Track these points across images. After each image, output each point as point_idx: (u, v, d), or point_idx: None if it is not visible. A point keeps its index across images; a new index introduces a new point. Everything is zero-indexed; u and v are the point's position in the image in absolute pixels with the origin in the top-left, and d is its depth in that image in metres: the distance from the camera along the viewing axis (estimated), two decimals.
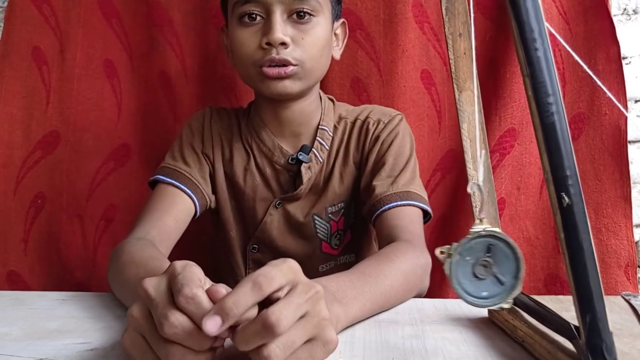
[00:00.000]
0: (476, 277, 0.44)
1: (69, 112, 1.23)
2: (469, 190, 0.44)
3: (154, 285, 0.44)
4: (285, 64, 0.82)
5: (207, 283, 0.45)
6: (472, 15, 0.51)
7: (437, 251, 0.43)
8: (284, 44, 0.81)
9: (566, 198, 0.38)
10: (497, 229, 0.42)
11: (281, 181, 0.95)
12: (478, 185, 0.44)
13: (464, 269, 0.43)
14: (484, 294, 0.44)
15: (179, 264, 0.45)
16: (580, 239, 0.39)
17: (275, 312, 0.40)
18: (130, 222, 0.86)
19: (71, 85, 1.23)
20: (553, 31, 0.49)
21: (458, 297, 0.43)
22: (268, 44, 0.81)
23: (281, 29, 0.81)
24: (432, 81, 1.21)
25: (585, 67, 0.48)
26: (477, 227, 0.43)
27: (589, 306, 0.39)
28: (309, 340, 0.44)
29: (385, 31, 1.18)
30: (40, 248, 1.23)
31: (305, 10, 0.83)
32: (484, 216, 0.43)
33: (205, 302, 0.41)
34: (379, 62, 1.19)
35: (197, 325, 0.41)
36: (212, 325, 0.39)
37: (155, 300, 0.43)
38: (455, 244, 0.43)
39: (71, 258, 1.22)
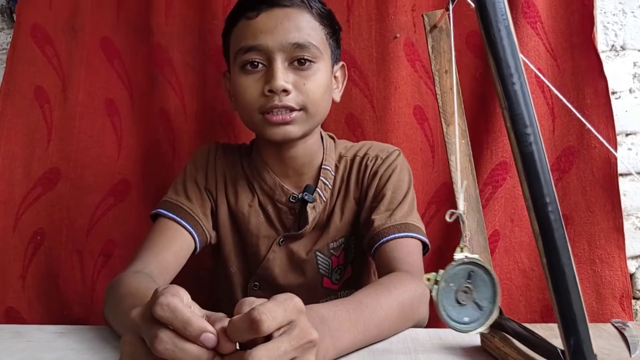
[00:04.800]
0: (458, 303, 0.45)
1: (70, 149, 1.25)
2: (447, 218, 0.45)
3: (140, 312, 0.46)
4: (288, 109, 0.84)
5: (195, 307, 0.47)
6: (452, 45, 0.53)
7: (424, 278, 0.44)
8: (285, 90, 0.83)
9: (546, 224, 0.39)
10: (477, 256, 0.44)
11: (283, 219, 0.96)
12: (460, 214, 0.46)
13: (448, 295, 0.45)
14: (466, 319, 0.46)
15: (161, 287, 0.47)
16: (562, 264, 0.40)
17: (259, 355, 0.42)
18: (129, 257, 0.87)
19: (72, 123, 1.25)
20: (537, 72, 0.51)
21: (443, 322, 0.45)
22: (270, 91, 0.83)
23: (283, 77, 0.83)
24: (425, 116, 1.24)
25: (570, 105, 0.50)
26: (459, 255, 0.45)
27: (572, 329, 0.40)
28: None
29: (378, 69, 1.21)
30: (39, 284, 1.23)
31: (305, 57, 0.85)
32: (465, 244, 0.44)
33: (181, 307, 0.43)
34: (372, 99, 1.22)
35: (183, 337, 0.43)
36: (210, 339, 0.42)
37: (144, 324, 0.45)
38: (441, 271, 0.44)
39: (70, 293, 1.22)
